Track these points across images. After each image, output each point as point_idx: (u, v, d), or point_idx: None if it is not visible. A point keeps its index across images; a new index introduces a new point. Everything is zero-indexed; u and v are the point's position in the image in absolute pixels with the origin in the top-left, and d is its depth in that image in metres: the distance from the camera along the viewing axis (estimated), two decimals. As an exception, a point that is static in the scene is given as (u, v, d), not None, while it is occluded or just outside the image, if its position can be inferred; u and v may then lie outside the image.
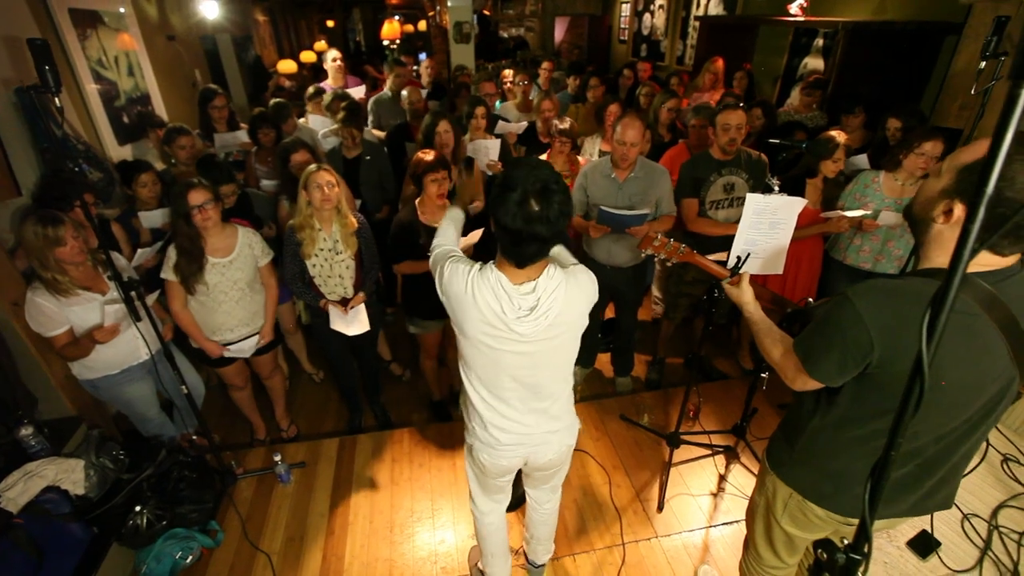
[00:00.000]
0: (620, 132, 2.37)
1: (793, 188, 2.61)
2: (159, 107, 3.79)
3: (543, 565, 2.01)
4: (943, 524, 1.77)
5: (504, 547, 1.89)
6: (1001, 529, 1.76)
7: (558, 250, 1.49)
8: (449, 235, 1.52)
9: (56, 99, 1.51)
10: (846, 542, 0.70)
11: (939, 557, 1.66)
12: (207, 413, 2.72)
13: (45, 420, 2.19)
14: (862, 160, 2.85)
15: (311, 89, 4.00)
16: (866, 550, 0.66)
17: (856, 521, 1.25)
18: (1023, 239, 0.96)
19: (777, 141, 2.57)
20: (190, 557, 2.07)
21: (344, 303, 2.41)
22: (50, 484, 1.92)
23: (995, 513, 1.83)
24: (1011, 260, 1.02)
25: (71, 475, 2.00)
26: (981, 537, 1.74)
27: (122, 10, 3.55)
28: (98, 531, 1.98)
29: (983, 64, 2.03)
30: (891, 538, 1.76)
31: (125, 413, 2.40)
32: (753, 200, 1.89)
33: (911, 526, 1.78)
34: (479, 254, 2.62)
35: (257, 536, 2.24)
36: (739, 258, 1.56)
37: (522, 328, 1.28)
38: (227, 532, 2.24)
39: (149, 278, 2.49)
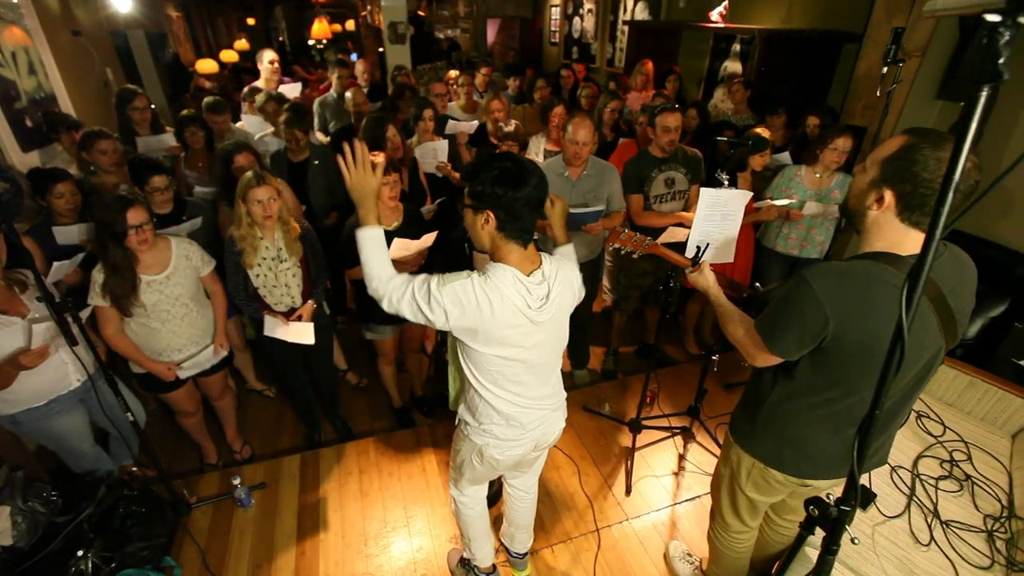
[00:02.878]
0: (572, 132, 2.44)
1: (728, 181, 2.83)
2: (67, 109, 3.41)
3: (527, 554, 2.05)
4: (876, 477, 2.00)
5: (487, 527, 1.94)
6: (921, 476, 2.01)
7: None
8: (379, 262, 1.33)
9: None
10: (833, 497, 0.79)
11: (876, 507, 1.87)
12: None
13: (-44, 466, 1.93)
14: (785, 156, 3.13)
15: (247, 89, 3.78)
16: (854, 501, 0.74)
17: (811, 482, 1.41)
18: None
19: (725, 139, 2.78)
20: (145, 598, 1.90)
21: (291, 313, 2.30)
22: (-30, 537, 1.70)
23: (916, 463, 2.09)
24: None
25: (-5, 524, 1.77)
26: (907, 485, 1.98)
27: (15, 0, 3.17)
28: (33, 583, 1.77)
29: (885, 69, 2.31)
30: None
31: (53, 449, 2.15)
32: (706, 194, 2.02)
33: (850, 483, 1.99)
34: (436, 264, 2.61)
35: (220, 567, 2.09)
36: (699, 248, 1.67)
37: (541, 317, 1.33)
38: (185, 567, 2.08)
39: (70, 295, 2.25)
